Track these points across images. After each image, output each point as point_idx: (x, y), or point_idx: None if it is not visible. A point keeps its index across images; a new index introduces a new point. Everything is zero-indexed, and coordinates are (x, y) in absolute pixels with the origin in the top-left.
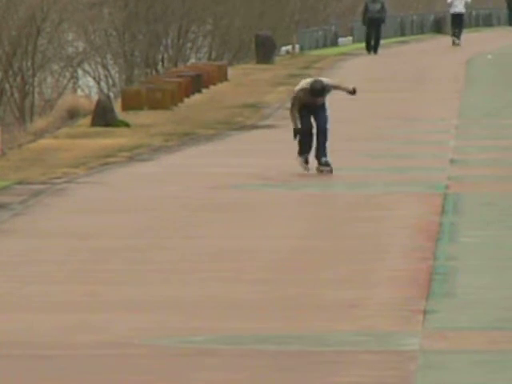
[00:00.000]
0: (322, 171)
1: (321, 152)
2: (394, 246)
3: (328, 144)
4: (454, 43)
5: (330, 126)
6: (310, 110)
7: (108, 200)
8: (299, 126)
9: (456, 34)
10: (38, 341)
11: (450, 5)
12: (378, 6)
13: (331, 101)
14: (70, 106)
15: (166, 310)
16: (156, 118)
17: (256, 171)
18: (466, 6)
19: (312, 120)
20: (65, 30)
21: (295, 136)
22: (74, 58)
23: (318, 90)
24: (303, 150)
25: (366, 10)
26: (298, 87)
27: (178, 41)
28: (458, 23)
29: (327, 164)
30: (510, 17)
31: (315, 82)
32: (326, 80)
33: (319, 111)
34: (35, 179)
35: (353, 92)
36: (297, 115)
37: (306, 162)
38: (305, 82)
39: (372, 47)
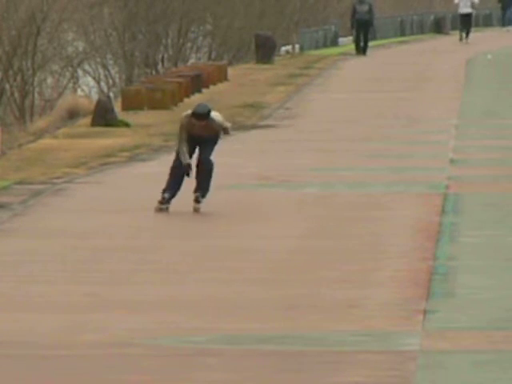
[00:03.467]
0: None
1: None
2: (394, 246)
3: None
4: (461, 39)
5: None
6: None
7: (108, 200)
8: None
9: (464, 32)
10: (38, 341)
11: (458, 5)
12: (365, 8)
13: (330, 100)
14: (70, 106)
15: (166, 310)
16: (156, 118)
17: (256, 171)
18: (473, 6)
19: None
20: (65, 30)
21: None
22: (73, 58)
23: (201, 114)
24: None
25: (354, 11)
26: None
27: (178, 41)
28: (466, 23)
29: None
30: (503, 17)
31: (199, 105)
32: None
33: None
34: (35, 179)
35: (227, 132)
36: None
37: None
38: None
39: (361, 49)
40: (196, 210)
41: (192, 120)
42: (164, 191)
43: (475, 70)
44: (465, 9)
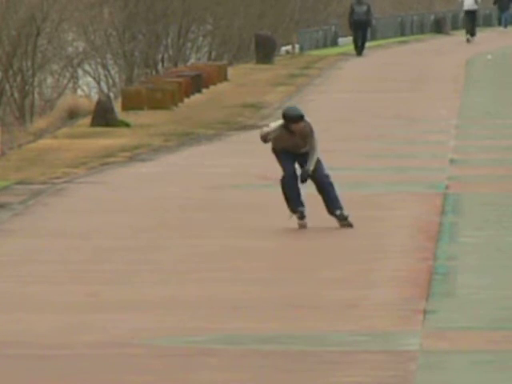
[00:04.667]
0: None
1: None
2: (394, 246)
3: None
4: (468, 40)
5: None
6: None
7: (108, 200)
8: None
9: (470, 32)
10: (38, 341)
11: (462, 3)
12: (364, 8)
13: (330, 100)
14: (70, 106)
15: (166, 310)
16: (156, 118)
17: (256, 171)
18: (477, 3)
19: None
20: (65, 30)
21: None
22: (73, 58)
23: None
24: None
25: (352, 12)
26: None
27: (178, 41)
28: (470, 20)
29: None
30: (500, 17)
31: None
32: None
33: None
34: (35, 179)
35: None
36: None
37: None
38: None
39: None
40: (304, 226)
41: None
42: (294, 208)
43: (475, 70)
44: (469, 6)
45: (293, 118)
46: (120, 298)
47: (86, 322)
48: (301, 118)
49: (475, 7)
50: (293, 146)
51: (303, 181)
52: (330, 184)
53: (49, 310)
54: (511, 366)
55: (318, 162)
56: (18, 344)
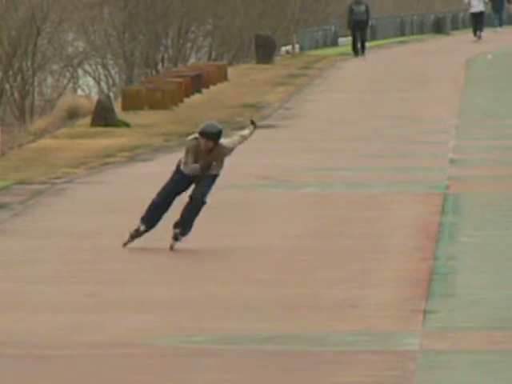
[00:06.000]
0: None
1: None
2: (394, 246)
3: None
4: (479, 38)
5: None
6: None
7: (108, 200)
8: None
9: (477, 31)
10: (38, 341)
11: (469, 4)
12: (362, 8)
13: (330, 100)
14: (70, 106)
15: (166, 310)
16: (156, 118)
17: (256, 171)
18: (485, 4)
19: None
20: (65, 30)
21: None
22: (73, 58)
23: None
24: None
25: (351, 12)
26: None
27: (178, 41)
28: (478, 22)
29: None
30: (495, 18)
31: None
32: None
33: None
34: (35, 179)
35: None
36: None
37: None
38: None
39: (359, 50)
40: (171, 248)
41: (199, 141)
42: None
43: (475, 70)
44: (477, 7)
45: (205, 135)
46: (120, 297)
47: (86, 322)
48: (212, 136)
49: (483, 9)
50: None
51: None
52: (198, 208)
53: (49, 310)
54: (511, 366)
55: (210, 184)
56: (18, 344)
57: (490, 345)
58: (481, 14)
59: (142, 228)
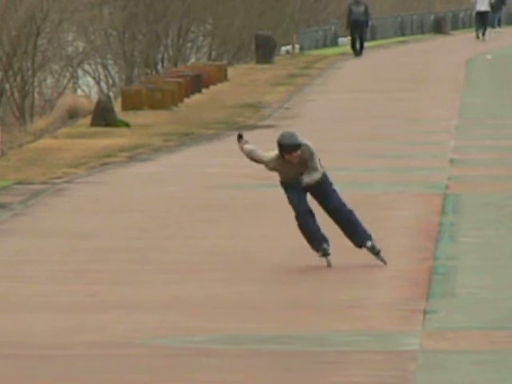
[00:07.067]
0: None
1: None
2: (393, 246)
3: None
4: (477, 37)
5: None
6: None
7: (108, 200)
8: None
9: (481, 30)
10: (38, 341)
11: (474, 3)
12: (361, 9)
13: (330, 100)
14: (70, 106)
15: (166, 310)
16: (156, 118)
17: (255, 171)
18: (490, 4)
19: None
20: (65, 30)
21: None
22: (74, 57)
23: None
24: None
25: (350, 12)
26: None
27: (178, 41)
28: (482, 21)
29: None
30: (494, 18)
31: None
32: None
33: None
34: (35, 179)
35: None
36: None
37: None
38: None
39: (357, 50)
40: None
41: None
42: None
43: (475, 70)
44: (482, 7)
45: (286, 148)
46: (120, 297)
47: (86, 322)
48: (295, 147)
49: (488, 8)
50: (295, 175)
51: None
52: (350, 212)
53: (49, 310)
54: (511, 366)
55: (333, 191)
56: (18, 344)
57: (490, 345)
58: (486, 13)
59: (320, 254)
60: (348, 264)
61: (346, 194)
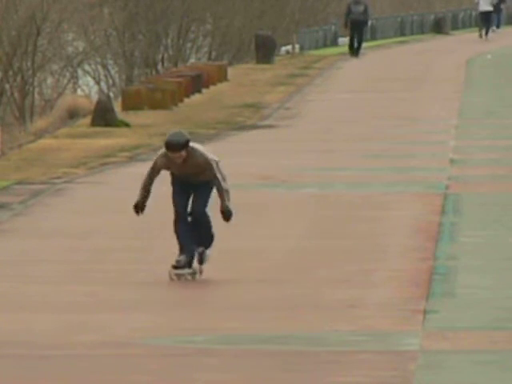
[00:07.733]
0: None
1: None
2: (393, 246)
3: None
4: (480, 36)
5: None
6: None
7: (108, 200)
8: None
9: (484, 30)
10: (38, 341)
11: (478, 3)
12: (361, 8)
13: (330, 100)
14: (70, 106)
15: (166, 310)
16: (156, 118)
17: (256, 171)
18: (493, 4)
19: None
20: (65, 30)
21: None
22: (73, 57)
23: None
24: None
25: (349, 11)
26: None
27: (178, 41)
28: (485, 21)
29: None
30: (494, 18)
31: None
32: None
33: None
34: (35, 179)
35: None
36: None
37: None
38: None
39: (354, 50)
40: (200, 272)
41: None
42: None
43: (475, 70)
44: (485, 7)
45: (168, 146)
46: (120, 297)
47: (85, 322)
48: (177, 147)
49: (491, 8)
50: (183, 176)
51: (227, 219)
52: (208, 222)
53: (49, 310)
54: (511, 366)
55: (207, 198)
56: (18, 344)
57: (490, 345)
58: (490, 13)
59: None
60: (348, 264)
61: (346, 194)
